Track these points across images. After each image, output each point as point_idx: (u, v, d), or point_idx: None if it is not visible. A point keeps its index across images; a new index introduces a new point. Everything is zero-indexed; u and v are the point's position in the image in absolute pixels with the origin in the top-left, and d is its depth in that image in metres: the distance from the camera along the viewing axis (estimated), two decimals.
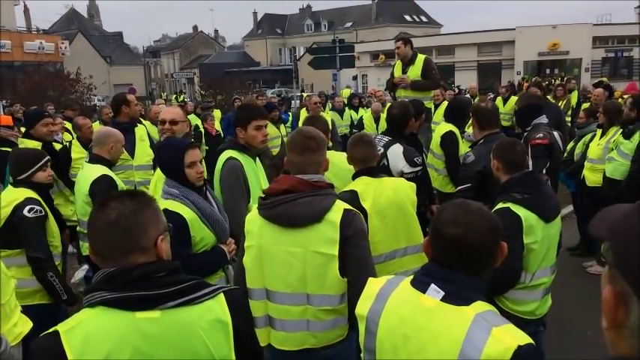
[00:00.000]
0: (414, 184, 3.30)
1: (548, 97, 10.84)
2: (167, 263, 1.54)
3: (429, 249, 1.69)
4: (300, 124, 9.38)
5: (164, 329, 1.44)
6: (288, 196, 2.37)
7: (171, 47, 76.26)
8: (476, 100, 11.30)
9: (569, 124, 9.72)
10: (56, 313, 3.50)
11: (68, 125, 7.35)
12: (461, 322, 1.53)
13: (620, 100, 9.90)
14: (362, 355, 1.80)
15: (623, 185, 5.25)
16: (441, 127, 5.35)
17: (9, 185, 3.58)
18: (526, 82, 21.15)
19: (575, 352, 4.13)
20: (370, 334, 1.72)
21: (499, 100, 11.58)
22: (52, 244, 3.59)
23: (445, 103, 9.75)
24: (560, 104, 10.70)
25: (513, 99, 11.80)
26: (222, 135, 10.04)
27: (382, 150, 4.04)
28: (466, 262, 1.60)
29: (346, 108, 11.62)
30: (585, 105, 9.27)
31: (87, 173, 4.05)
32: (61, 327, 1.43)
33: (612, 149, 5.55)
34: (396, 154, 3.99)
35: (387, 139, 4.14)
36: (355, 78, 44.40)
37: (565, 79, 15.68)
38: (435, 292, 1.60)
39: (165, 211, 2.46)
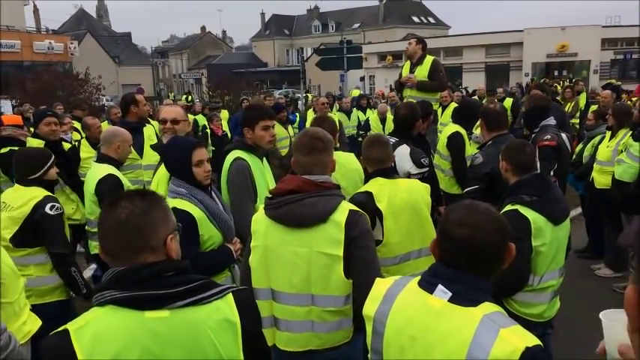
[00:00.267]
0: (427, 186, 3.29)
1: (557, 98, 10.79)
2: (176, 263, 1.54)
3: (436, 250, 1.69)
4: (307, 124, 9.40)
5: (173, 329, 1.45)
6: (294, 197, 2.37)
7: (180, 48, 76.51)
8: (484, 101, 11.27)
9: (578, 127, 9.69)
10: (69, 310, 3.59)
11: (77, 125, 7.39)
12: (468, 323, 1.53)
13: (629, 102, 9.86)
14: (369, 355, 1.80)
15: (633, 187, 5.21)
16: (448, 128, 5.35)
17: (16, 184, 3.60)
18: (534, 84, 21.06)
19: (583, 354, 4.09)
20: (377, 334, 1.72)
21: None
22: None
23: (453, 105, 9.75)
24: (568, 106, 10.65)
25: (508, 101, 11.80)
26: (230, 135, 10.06)
27: None
28: (474, 262, 1.60)
29: (354, 109, 11.63)
30: (593, 107, 9.22)
31: (94, 173, 4.09)
32: (70, 326, 1.43)
33: (621, 151, 5.52)
34: (402, 155, 3.99)
35: (394, 140, 4.14)
36: (362, 79, 44.35)
37: (573, 81, 15.59)
38: (442, 292, 1.60)
39: (174, 209, 2.44)
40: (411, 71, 6.72)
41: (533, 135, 4.80)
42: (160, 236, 1.51)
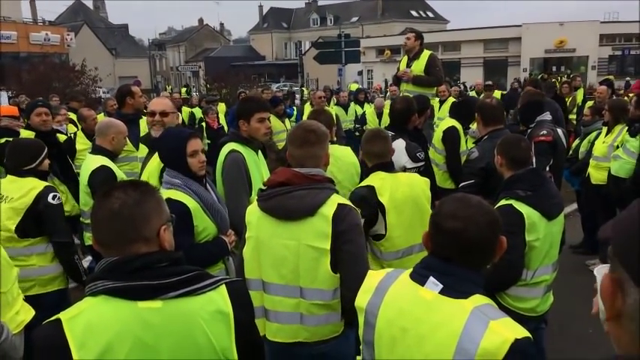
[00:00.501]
0: (427, 180, 3.30)
1: (557, 93, 10.76)
2: (170, 253, 1.54)
3: (428, 242, 1.70)
4: (304, 118, 9.39)
5: (166, 319, 1.45)
6: (283, 189, 2.38)
7: (177, 40, 76.24)
8: (481, 96, 11.29)
9: (575, 122, 9.69)
10: (68, 299, 3.63)
11: (73, 116, 7.36)
12: (459, 314, 1.54)
13: (626, 98, 9.86)
14: (361, 347, 1.82)
15: (629, 184, 5.23)
16: (444, 122, 5.35)
17: (9, 175, 3.60)
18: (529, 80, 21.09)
19: (577, 349, 4.13)
20: (369, 326, 1.73)
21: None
22: None
23: (451, 99, 9.76)
24: (566, 101, 10.65)
25: (497, 93, 11.86)
26: (226, 128, 10.04)
27: None
28: (465, 255, 1.61)
29: (351, 103, 11.62)
30: (589, 103, 9.24)
31: (87, 164, 4.09)
32: (63, 315, 1.44)
33: (617, 147, 5.53)
34: (398, 149, 3.98)
35: (390, 134, 4.14)
36: (360, 73, 44.32)
37: (571, 76, 15.60)
38: (433, 284, 1.61)
39: (169, 200, 2.46)
40: (408, 66, 6.71)
41: (528, 130, 4.80)
42: (154, 227, 1.51)
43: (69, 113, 7.37)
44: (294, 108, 12.81)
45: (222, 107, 12.46)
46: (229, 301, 1.54)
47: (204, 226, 2.85)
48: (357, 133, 10.29)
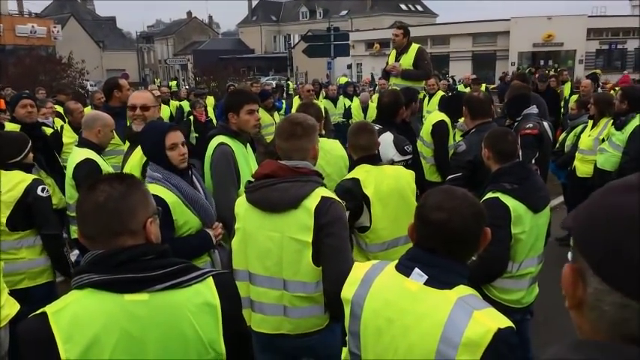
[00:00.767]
0: (413, 172, 3.32)
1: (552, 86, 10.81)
2: (156, 246, 1.54)
3: (413, 234, 1.71)
4: (293, 111, 9.38)
5: (152, 312, 1.45)
6: (267, 181, 2.40)
7: (165, 33, 75.65)
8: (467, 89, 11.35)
9: (562, 116, 9.77)
10: (55, 292, 3.62)
11: (60, 109, 7.30)
12: (443, 305, 1.56)
13: (612, 91, 9.95)
14: (347, 338, 1.83)
15: (614, 176, 5.28)
16: (433, 115, 5.38)
17: None
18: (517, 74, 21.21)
19: (561, 339, 4.18)
20: (355, 317, 1.75)
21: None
22: None
23: (440, 93, 9.79)
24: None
25: (482, 87, 11.94)
26: (215, 122, 10.00)
27: None
28: (450, 246, 1.63)
29: (340, 96, 11.61)
30: (574, 97, 9.32)
31: (73, 157, 4.08)
32: (49, 308, 1.43)
33: (603, 140, 5.58)
34: (386, 142, 4.00)
35: (377, 128, 4.15)
36: (350, 67, 44.26)
37: (558, 70, 15.70)
38: (418, 275, 1.62)
39: None
40: (397, 59, 6.72)
41: (515, 124, 4.83)
42: (140, 220, 1.51)
43: (55, 106, 7.31)
44: (283, 101, 12.79)
45: (210, 100, 12.41)
46: (217, 293, 1.54)
47: (185, 219, 2.83)
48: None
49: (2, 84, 16.64)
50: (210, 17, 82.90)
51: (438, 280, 1.61)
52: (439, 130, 5.07)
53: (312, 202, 2.35)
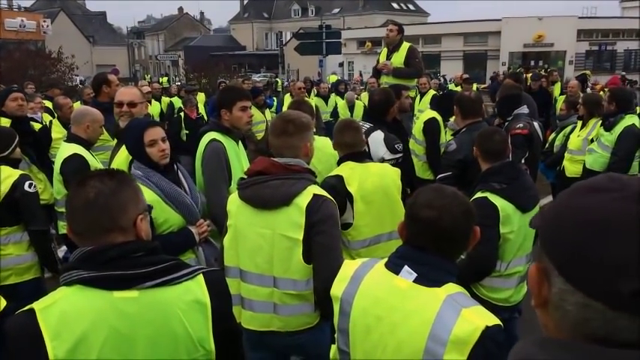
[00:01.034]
0: (398, 170, 3.33)
1: (544, 87, 10.87)
2: (146, 243, 1.53)
3: (403, 232, 1.72)
4: (284, 109, 9.37)
5: (142, 309, 1.44)
6: (259, 178, 2.40)
7: (156, 29, 75.23)
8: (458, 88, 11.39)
9: (552, 116, 9.83)
10: (43, 288, 3.60)
11: (49, 104, 7.24)
12: (432, 302, 1.57)
13: (601, 93, 10.02)
14: (336, 335, 1.84)
15: None
16: (425, 113, 5.40)
17: None
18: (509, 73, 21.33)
19: None
20: (344, 314, 1.75)
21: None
22: None
23: (431, 92, 9.82)
24: None
25: (473, 86, 11.99)
26: (206, 118, 9.95)
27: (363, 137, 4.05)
28: (439, 244, 1.64)
29: (332, 94, 11.60)
30: (561, 97, 9.39)
31: (61, 152, 4.06)
32: (37, 305, 1.42)
33: (592, 140, 5.62)
34: (377, 140, 4.00)
35: (368, 126, 4.16)
36: (341, 65, 44.27)
37: (548, 70, 15.78)
38: (407, 273, 1.63)
39: None
40: (388, 58, 6.74)
41: (506, 123, 4.86)
42: (130, 216, 1.50)
43: (44, 101, 7.25)
44: (274, 98, 12.76)
45: (201, 97, 12.35)
46: (207, 290, 1.53)
47: (164, 217, 2.80)
48: None
49: None
50: (202, 13, 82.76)
51: (427, 278, 1.62)
52: (430, 127, 5.09)
53: (303, 199, 2.35)
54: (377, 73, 6.99)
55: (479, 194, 2.99)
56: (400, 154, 4.08)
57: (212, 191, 3.29)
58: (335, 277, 1.84)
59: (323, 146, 3.80)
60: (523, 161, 4.48)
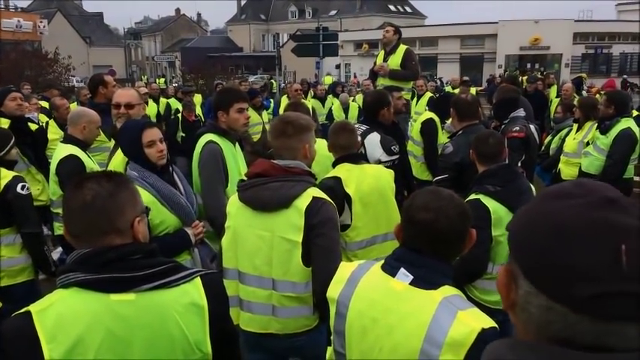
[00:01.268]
0: (392, 172, 3.35)
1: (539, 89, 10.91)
2: (143, 245, 1.53)
3: (400, 234, 1.73)
4: (281, 110, 9.37)
5: (139, 312, 1.43)
6: (259, 180, 2.40)
7: (153, 30, 75.18)
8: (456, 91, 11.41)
9: (547, 119, 9.87)
10: (37, 291, 3.56)
11: (46, 105, 7.23)
12: (428, 305, 1.57)
13: (597, 96, 10.06)
14: (332, 337, 1.84)
15: (598, 180, 5.33)
16: (423, 115, 5.41)
17: None
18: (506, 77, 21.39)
19: None
20: (340, 316, 1.76)
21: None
22: None
23: (428, 94, 9.84)
24: None
25: (472, 90, 12.04)
26: (203, 120, 9.94)
27: (360, 139, 4.06)
28: (435, 246, 1.64)
29: (329, 96, 11.60)
30: (555, 100, 9.43)
31: (57, 153, 4.04)
32: (33, 307, 1.41)
33: (587, 144, 5.64)
34: (373, 142, 4.01)
35: (364, 128, 4.17)
36: (338, 67, 44.30)
37: (544, 73, 15.85)
38: (404, 276, 1.64)
39: None
40: (385, 60, 6.75)
41: (502, 126, 4.87)
42: (127, 218, 1.49)
43: (41, 102, 7.23)
44: (271, 100, 12.76)
45: (197, 98, 12.34)
46: (204, 293, 1.53)
47: (161, 219, 2.79)
48: None
49: None
50: (199, 15, 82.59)
51: (424, 281, 1.62)
52: (428, 128, 5.11)
53: (303, 202, 2.35)
54: (373, 75, 7.00)
55: (472, 196, 3.00)
56: (397, 156, 4.09)
57: (209, 193, 3.28)
58: None
59: (319, 148, 3.78)
60: (519, 164, 4.49)
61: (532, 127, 4.93)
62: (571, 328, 0.76)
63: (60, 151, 4.00)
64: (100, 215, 1.45)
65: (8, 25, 35.56)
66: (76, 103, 7.62)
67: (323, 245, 2.35)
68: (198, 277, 1.56)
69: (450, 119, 4.79)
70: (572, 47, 38.25)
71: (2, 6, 40.68)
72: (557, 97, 10.87)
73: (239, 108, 3.40)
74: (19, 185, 3.45)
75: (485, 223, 2.87)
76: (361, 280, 1.74)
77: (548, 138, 7.06)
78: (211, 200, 3.26)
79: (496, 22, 39.77)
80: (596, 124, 5.58)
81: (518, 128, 4.65)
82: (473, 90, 12.23)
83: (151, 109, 10.02)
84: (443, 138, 5.17)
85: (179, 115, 9.50)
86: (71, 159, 3.89)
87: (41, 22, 39.94)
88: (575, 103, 6.99)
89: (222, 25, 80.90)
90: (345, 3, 61.78)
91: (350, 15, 59.41)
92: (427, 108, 7.77)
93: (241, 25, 68.76)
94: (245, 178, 2.53)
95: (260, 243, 2.40)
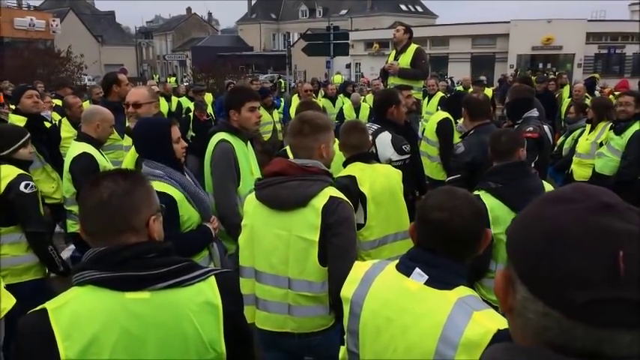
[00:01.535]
0: (400, 172, 3.35)
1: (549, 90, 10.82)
2: (159, 244, 1.53)
3: (414, 234, 1.72)
4: (291, 109, 9.38)
5: (153, 310, 1.44)
6: (277, 179, 2.40)
7: (164, 29, 75.45)
8: (469, 91, 11.34)
9: (561, 119, 9.80)
10: (48, 289, 3.54)
11: (59, 102, 7.28)
12: (443, 305, 1.56)
13: (610, 96, 9.96)
14: (345, 337, 1.83)
15: (612, 181, 5.28)
16: (437, 114, 5.39)
17: None
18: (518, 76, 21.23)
19: None
20: (354, 316, 1.75)
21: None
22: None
23: (439, 94, 9.81)
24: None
25: (488, 91, 11.94)
26: (214, 119, 9.98)
27: (371, 138, 4.05)
28: (450, 246, 1.63)
29: (339, 96, 11.59)
30: (567, 100, 9.34)
31: (71, 151, 4.05)
32: (49, 305, 1.42)
33: (600, 144, 5.59)
34: (384, 141, 4.00)
35: (375, 127, 4.16)
36: (348, 66, 44.25)
37: (557, 73, 15.73)
38: (418, 275, 1.63)
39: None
40: (396, 59, 6.75)
41: (515, 126, 4.83)
42: (143, 217, 1.50)
43: (54, 100, 7.29)
44: (281, 99, 12.77)
45: (208, 97, 12.39)
46: (218, 292, 1.53)
47: (188, 215, 2.82)
48: None
49: (0, 77, 16.60)
50: (210, 14, 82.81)
51: (439, 281, 1.61)
52: (444, 128, 5.09)
53: (320, 201, 2.35)
54: (384, 74, 7.00)
55: (475, 192, 2.98)
56: (407, 156, 4.07)
57: (220, 191, 3.30)
58: None
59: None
60: (533, 165, 4.46)
61: (546, 127, 4.89)
62: (566, 335, 0.76)
63: (73, 148, 4.01)
64: (116, 213, 1.46)
65: (21, 23, 35.85)
66: (88, 101, 7.68)
67: (339, 245, 2.36)
68: (213, 276, 1.56)
69: (462, 119, 4.77)
70: (584, 47, 37.90)
71: (15, 4, 41.02)
72: (569, 97, 10.79)
73: (251, 107, 3.42)
74: (23, 184, 3.40)
75: None
76: (375, 279, 1.73)
77: (561, 139, 7.00)
78: (222, 199, 3.27)
79: (508, 22, 39.50)
80: (610, 125, 5.52)
81: (531, 129, 4.61)
82: (489, 91, 12.12)
83: (163, 107, 10.06)
84: (457, 138, 5.15)
85: (190, 114, 9.54)
86: (85, 157, 3.90)
87: (54, 20, 40.22)
88: (587, 103, 6.94)
89: (232, 24, 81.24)
90: (355, 2, 61.69)
91: (361, 14, 59.30)
92: (439, 108, 7.76)
93: (252, 24, 68.89)
94: (261, 177, 2.53)
95: (277, 242, 2.41)
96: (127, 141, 4.97)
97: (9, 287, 3.27)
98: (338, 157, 3.80)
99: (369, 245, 3.14)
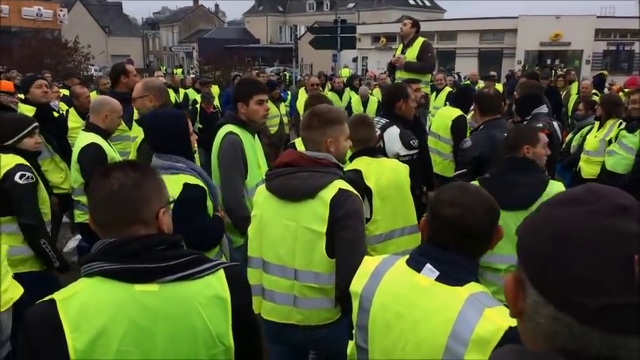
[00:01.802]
0: (407, 166, 3.34)
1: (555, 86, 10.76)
2: (168, 237, 1.52)
3: (425, 229, 1.71)
4: (298, 103, 9.36)
5: (162, 303, 1.43)
6: (287, 169, 2.41)
7: (171, 20, 75.41)
8: (477, 87, 11.30)
9: (569, 116, 9.74)
10: (49, 281, 3.50)
11: (66, 92, 7.29)
12: (454, 301, 1.55)
13: (620, 93, 9.89)
14: (353, 332, 1.82)
15: (626, 180, 5.23)
16: (451, 111, 5.37)
17: None
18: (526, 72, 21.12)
19: None
20: (363, 311, 1.74)
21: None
22: (43, 212, 3.51)
23: (447, 89, 9.76)
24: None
25: (499, 86, 11.89)
26: (221, 111, 9.96)
27: (379, 132, 4.03)
28: (462, 242, 1.62)
29: (346, 89, 11.54)
30: (574, 97, 9.28)
31: (79, 141, 4.04)
32: (57, 295, 1.41)
33: (609, 142, 5.54)
34: (392, 136, 3.99)
35: (384, 122, 4.14)
36: (355, 60, 44.12)
37: (565, 70, 15.62)
38: (429, 271, 1.62)
39: (187, 185, 2.58)
40: (403, 53, 6.72)
41: (524, 122, 4.80)
42: (153, 209, 1.49)
43: (62, 90, 7.30)
44: (288, 92, 12.74)
45: (215, 89, 12.37)
46: (227, 286, 1.52)
47: (209, 204, 2.85)
48: None
49: (7, 66, 16.64)
50: (217, 6, 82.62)
51: (450, 277, 1.60)
52: (459, 126, 5.07)
53: (328, 193, 2.34)
54: (392, 68, 6.97)
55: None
56: (415, 151, 4.06)
57: (227, 184, 3.30)
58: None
59: None
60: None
61: (555, 124, 4.86)
62: (579, 340, 0.74)
63: (82, 139, 4.01)
64: (125, 205, 1.45)
65: (29, 13, 35.94)
66: (95, 92, 7.68)
67: (348, 238, 2.35)
68: (222, 269, 1.55)
69: (471, 114, 4.75)
70: (593, 44, 37.63)
71: None
72: (577, 93, 10.73)
73: (259, 100, 3.41)
74: (18, 174, 3.31)
75: None
76: (385, 274, 1.72)
77: (569, 136, 6.96)
78: (229, 191, 3.27)
79: (516, 17, 39.25)
80: (620, 122, 5.48)
81: (541, 125, 4.58)
82: (499, 86, 12.05)
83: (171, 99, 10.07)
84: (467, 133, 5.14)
85: (197, 106, 9.53)
86: (93, 147, 3.90)
87: (61, 10, 40.29)
88: (595, 100, 6.88)
89: (239, 16, 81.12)
90: None
91: (368, 8, 59.04)
92: (447, 103, 7.71)
93: (258, 16, 68.71)
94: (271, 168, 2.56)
95: (285, 232, 2.41)
96: (135, 132, 4.97)
97: None
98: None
99: (375, 239, 3.13)
